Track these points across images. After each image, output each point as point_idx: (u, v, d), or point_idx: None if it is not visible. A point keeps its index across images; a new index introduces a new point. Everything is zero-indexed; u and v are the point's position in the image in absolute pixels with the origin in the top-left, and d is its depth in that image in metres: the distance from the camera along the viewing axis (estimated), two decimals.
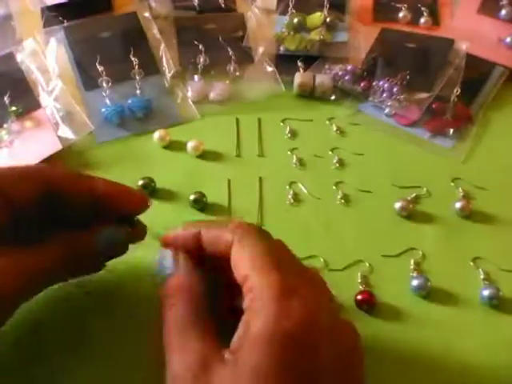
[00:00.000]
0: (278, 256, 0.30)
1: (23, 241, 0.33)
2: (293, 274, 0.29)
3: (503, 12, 0.64)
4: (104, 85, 0.55)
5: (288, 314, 0.27)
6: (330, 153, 0.53)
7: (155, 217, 0.47)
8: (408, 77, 0.57)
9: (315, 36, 0.60)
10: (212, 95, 0.56)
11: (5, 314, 0.33)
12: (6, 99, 0.53)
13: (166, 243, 0.34)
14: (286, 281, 0.28)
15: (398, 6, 0.65)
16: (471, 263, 0.45)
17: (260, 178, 0.50)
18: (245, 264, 0.30)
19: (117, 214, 0.37)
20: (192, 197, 0.47)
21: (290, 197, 0.49)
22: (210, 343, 0.28)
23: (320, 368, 0.27)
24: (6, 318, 0.33)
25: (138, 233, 0.39)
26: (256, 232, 0.31)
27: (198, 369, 0.27)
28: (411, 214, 0.48)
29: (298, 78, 0.57)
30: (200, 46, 0.59)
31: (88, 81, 0.56)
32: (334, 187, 0.50)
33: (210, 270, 0.33)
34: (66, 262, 0.34)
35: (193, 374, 0.27)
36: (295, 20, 0.62)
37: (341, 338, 0.29)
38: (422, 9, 0.65)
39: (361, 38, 0.61)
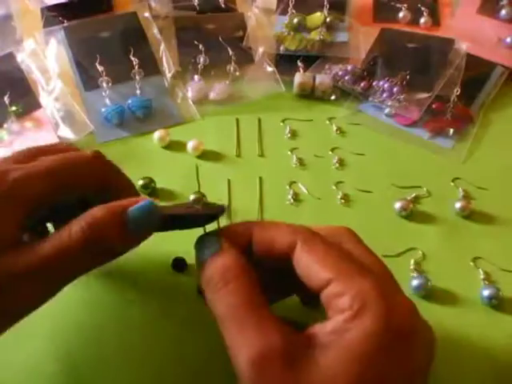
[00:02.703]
0: (353, 260, 0.30)
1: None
2: (377, 274, 0.30)
3: (503, 12, 0.64)
4: (104, 85, 0.55)
5: (397, 312, 0.28)
6: (330, 153, 0.53)
7: None
8: (408, 77, 0.57)
9: (315, 36, 0.60)
10: (212, 95, 0.56)
11: (25, 303, 0.30)
12: (6, 99, 0.53)
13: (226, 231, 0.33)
14: (378, 282, 0.28)
15: (398, 6, 0.65)
16: (471, 263, 0.45)
17: (260, 178, 0.50)
18: (326, 268, 0.29)
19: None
20: (192, 197, 0.47)
21: (290, 197, 0.49)
22: (287, 327, 0.28)
23: (419, 361, 0.28)
24: (31, 306, 0.30)
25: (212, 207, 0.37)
26: (319, 236, 0.31)
27: (286, 349, 0.26)
28: (411, 214, 0.48)
29: (298, 78, 0.57)
30: (200, 46, 0.59)
31: (88, 81, 0.56)
32: (334, 187, 0.50)
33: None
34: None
35: (280, 354, 0.26)
36: (295, 20, 0.62)
37: (428, 337, 0.30)
38: (422, 9, 0.65)
39: (361, 38, 0.61)
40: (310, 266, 0.30)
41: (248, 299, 0.28)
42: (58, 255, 0.29)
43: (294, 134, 0.54)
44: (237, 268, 0.29)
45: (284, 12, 0.63)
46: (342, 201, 0.49)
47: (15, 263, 0.28)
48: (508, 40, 0.61)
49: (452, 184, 0.51)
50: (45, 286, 0.30)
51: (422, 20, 0.64)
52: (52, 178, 0.31)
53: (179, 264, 0.43)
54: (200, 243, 0.32)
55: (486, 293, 0.42)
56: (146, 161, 0.51)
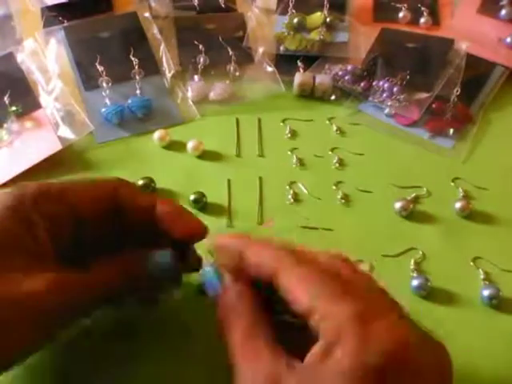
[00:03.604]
0: (338, 281, 0.29)
1: (80, 259, 0.33)
2: (360, 296, 0.28)
3: (503, 12, 0.64)
4: (104, 85, 0.55)
5: (372, 345, 0.25)
6: (330, 153, 0.53)
7: None
8: (408, 77, 0.57)
9: (315, 36, 0.60)
10: (212, 95, 0.56)
11: (50, 329, 0.31)
12: (6, 99, 0.53)
13: (218, 248, 0.33)
14: (358, 306, 0.27)
15: (398, 6, 0.65)
16: (471, 263, 0.45)
17: (260, 178, 0.50)
18: (305, 293, 0.28)
19: (172, 238, 0.35)
20: (192, 197, 0.47)
21: (289, 197, 0.49)
22: (279, 355, 0.28)
23: None
24: (52, 333, 0.32)
25: (189, 263, 0.37)
26: (302, 259, 0.30)
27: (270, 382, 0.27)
28: (411, 214, 0.48)
29: (298, 78, 0.57)
30: (200, 46, 0.59)
31: (88, 81, 0.56)
32: (334, 187, 0.50)
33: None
34: (117, 282, 0.33)
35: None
36: (295, 20, 0.62)
37: (434, 363, 0.27)
38: (422, 9, 0.65)
39: (361, 38, 0.61)
40: (290, 295, 0.29)
41: (247, 334, 0.29)
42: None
43: (293, 134, 0.54)
44: (236, 308, 0.31)
45: (284, 12, 0.63)
46: (342, 201, 0.49)
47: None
48: (508, 40, 0.61)
49: (452, 184, 0.51)
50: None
51: (422, 20, 0.64)
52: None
53: None
54: (204, 280, 0.34)
55: (486, 293, 0.42)
56: (146, 161, 0.51)
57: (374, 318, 0.26)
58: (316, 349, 0.27)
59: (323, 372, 0.26)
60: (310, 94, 0.57)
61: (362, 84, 0.57)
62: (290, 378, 0.26)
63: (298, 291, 0.28)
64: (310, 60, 0.60)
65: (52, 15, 0.61)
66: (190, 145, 0.52)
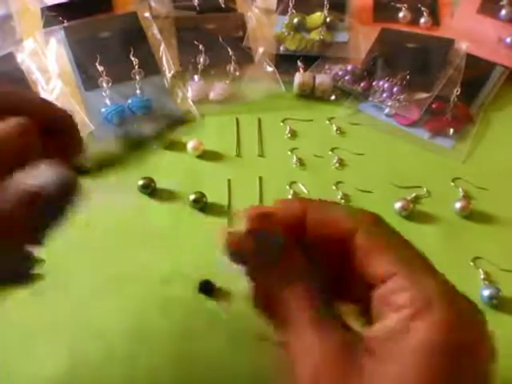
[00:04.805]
0: (420, 255, 0.27)
1: None
2: (443, 273, 0.26)
3: (503, 12, 0.64)
4: (104, 85, 0.55)
5: (464, 321, 0.25)
6: (330, 153, 0.53)
7: (155, 217, 0.48)
8: (408, 77, 0.57)
9: (315, 36, 0.60)
10: (212, 95, 0.56)
11: None
12: None
13: (253, 219, 0.27)
14: (447, 282, 0.25)
15: (398, 5, 0.65)
16: (471, 263, 0.45)
17: (260, 178, 0.50)
18: (390, 259, 0.26)
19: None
20: (192, 197, 0.47)
21: (290, 197, 0.49)
22: (347, 324, 0.25)
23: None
24: None
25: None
26: (383, 223, 0.28)
27: (345, 354, 0.24)
28: (411, 214, 0.48)
29: (298, 77, 0.57)
30: (200, 46, 0.59)
31: (88, 81, 0.56)
32: (334, 187, 0.50)
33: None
34: None
35: (339, 360, 0.23)
36: (295, 20, 0.62)
37: (491, 347, 0.27)
38: (422, 9, 0.65)
39: (361, 38, 0.61)
40: (370, 256, 0.26)
41: (309, 305, 0.25)
42: None
43: (293, 134, 0.54)
44: (302, 274, 0.26)
45: (284, 12, 0.63)
46: (342, 201, 0.49)
47: None
48: (508, 40, 0.61)
49: (452, 184, 0.51)
50: None
51: (422, 20, 0.64)
52: None
53: (206, 287, 0.42)
54: (258, 243, 0.27)
55: (486, 293, 0.42)
56: (146, 161, 0.51)
57: (461, 297, 0.26)
58: (395, 317, 0.24)
59: (407, 340, 0.23)
60: (309, 94, 0.57)
61: (362, 84, 0.57)
62: (362, 345, 0.24)
63: (381, 252, 0.26)
64: (310, 60, 0.60)
65: (52, 15, 0.61)
66: (189, 145, 0.52)
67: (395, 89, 0.56)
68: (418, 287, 0.25)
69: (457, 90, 0.56)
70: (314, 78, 0.57)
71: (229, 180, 0.50)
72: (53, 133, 0.30)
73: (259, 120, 0.55)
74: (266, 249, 0.26)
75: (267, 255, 0.26)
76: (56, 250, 0.43)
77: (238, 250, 0.26)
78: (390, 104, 0.56)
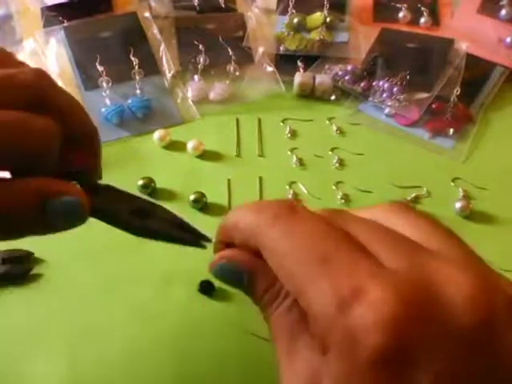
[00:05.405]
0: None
1: None
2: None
3: (503, 12, 0.64)
4: (104, 85, 0.55)
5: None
6: (330, 153, 0.53)
7: None
8: (408, 77, 0.57)
9: (315, 36, 0.60)
10: (212, 95, 0.56)
11: None
12: None
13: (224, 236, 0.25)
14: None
15: (398, 5, 0.65)
16: None
17: (260, 178, 0.50)
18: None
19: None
20: (192, 197, 0.47)
21: (290, 197, 0.49)
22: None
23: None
24: None
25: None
26: (298, 210, 0.22)
27: None
28: None
29: (298, 77, 0.57)
30: (200, 46, 0.59)
31: (88, 81, 0.56)
32: (334, 187, 0.50)
33: None
34: None
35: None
36: (295, 20, 0.62)
37: None
38: (422, 9, 0.65)
39: (361, 38, 0.61)
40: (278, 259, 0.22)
41: (291, 333, 0.22)
42: None
43: (293, 134, 0.54)
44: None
45: (284, 12, 0.63)
46: (342, 201, 0.49)
47: None
48: (508, 40, 0.61)
49: (452, 184, 0.51)
50: None
51: (422, 20, 0.64)
52: None
53: (206, 287, 0.42)
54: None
55: None
56: (146, 161, 0.51)
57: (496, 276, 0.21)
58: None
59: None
60: (309, 94, 0.57)
61: (362, 84, 0.57)
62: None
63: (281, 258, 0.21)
64: (310, 60, 0.60)
65: (52, 15, 0.61)
66: (189, 145, 0.52)
67: (395, 89, 0.56)
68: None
69: (457, 90, 0.56)
70: (314, 78, 0.57)
71: (229, 180, 0.50)
72: (73, 140, 0.29)
73: (259, 120, 0.55)
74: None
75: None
76: (56, 250, 0.43)
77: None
78: (389, 104, 0.56)
